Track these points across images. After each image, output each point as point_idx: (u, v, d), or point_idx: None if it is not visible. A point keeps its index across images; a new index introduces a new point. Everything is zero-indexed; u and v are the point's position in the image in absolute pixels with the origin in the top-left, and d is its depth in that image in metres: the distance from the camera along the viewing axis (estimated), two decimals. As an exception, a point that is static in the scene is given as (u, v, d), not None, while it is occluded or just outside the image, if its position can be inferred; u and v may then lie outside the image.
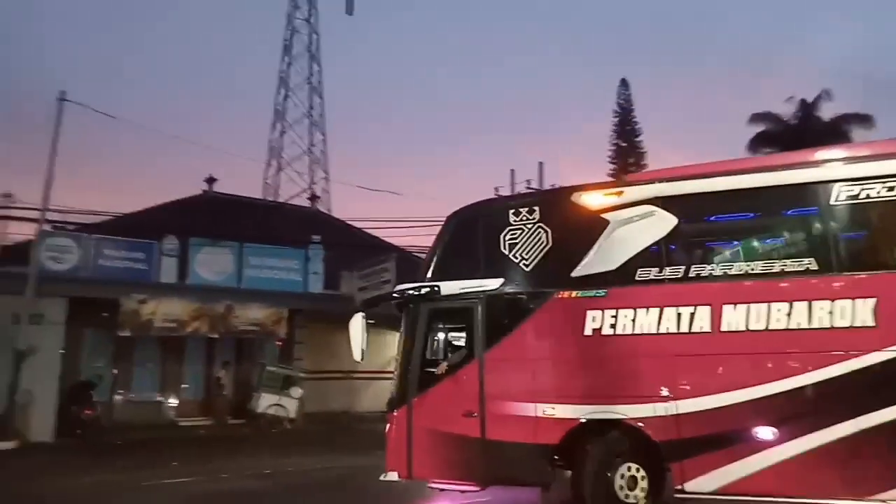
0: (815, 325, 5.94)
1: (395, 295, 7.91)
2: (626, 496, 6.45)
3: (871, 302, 5.76)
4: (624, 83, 33.45)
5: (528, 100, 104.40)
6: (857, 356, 5.77)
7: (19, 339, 15.14)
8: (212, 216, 21.66)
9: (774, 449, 5.93)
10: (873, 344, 5.73)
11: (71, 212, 18.67)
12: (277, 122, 42.63)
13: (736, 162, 6.73)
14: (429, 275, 7.62)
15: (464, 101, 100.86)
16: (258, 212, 25.31)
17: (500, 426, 6.83)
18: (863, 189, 6.10)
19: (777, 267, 6.27)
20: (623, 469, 6.50)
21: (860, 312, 5.80)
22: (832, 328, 5.89)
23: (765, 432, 5.98)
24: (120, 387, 19.00)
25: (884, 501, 5.61)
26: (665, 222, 6.68)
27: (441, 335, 7.85)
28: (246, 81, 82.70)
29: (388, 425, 7.49)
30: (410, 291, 7.59)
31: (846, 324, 5.83)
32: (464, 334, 7.56)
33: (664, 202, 6.74)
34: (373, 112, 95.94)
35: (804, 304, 6.00)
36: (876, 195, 6.05)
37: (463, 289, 7.29)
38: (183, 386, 20.14)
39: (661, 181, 7.01)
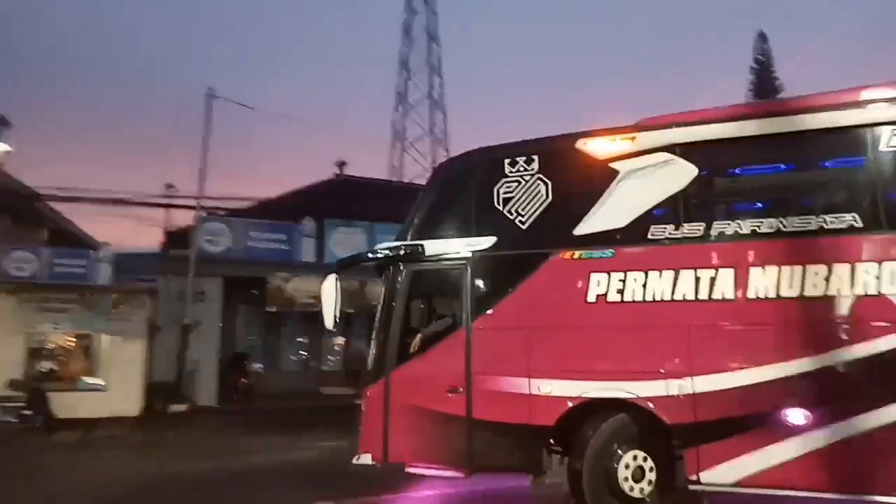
0: (858, 291, 4.92)
1: (371, 255, 7.04)
2: (631, 488, 5.54)
3: None
4: (762, 36, 30.92)
5: (657, 58, 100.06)
6: None
7: (185, 315, 17.02)
8: (344, 198, 22.62)
9: (808, 435, 4.95)
10: None
11: (222, 198, 20.56)
12: (399, 104, 43.90)
13: (767, 104, 5.70)
14: (412, 233, 6.73)
15: (585, 72, 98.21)
16: (386, 192, 26.26)
17: (488, 404, 5.97)
18: None
19: (814, 224, 5.20)
20: (628, 457, 5.60)
21: None
22: (879, 295, 4.85)
23: (797, 416, 4.99)
24: (269, 358, 20.77)
25: None
26: (684, 173, 5.71)
27: (424, 301, 6.96)
28: (368, 67, 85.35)
29: (362, 402, 6.69)
30: (390, 251, 6.74)
31: None
32: (450, 300, 6.73)
33: (683, 150, 5.75)
34: (490, 87, 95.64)
35: (846, 266, 4.97)
36: None
37: (450, 248, 6.43)
38: (328, 358, 21.56)
39: (679, 125, 5.90)
